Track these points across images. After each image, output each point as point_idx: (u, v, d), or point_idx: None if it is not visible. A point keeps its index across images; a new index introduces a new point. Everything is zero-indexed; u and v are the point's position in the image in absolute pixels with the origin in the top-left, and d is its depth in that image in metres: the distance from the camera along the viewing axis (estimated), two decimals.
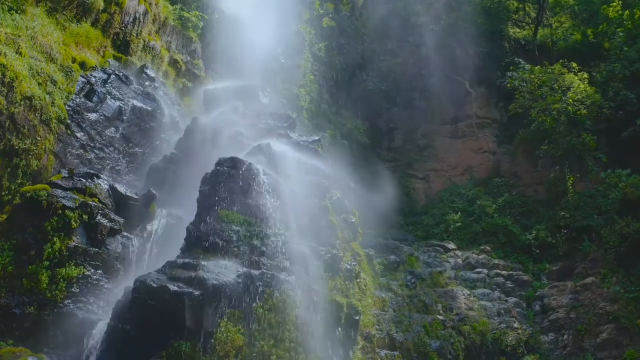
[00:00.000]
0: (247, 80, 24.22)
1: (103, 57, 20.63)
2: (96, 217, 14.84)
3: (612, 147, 30.17)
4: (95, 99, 18.49)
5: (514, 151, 34.70)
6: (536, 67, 32.02)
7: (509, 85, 32.67)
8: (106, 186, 15.97)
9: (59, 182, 15.01)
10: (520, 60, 34.78)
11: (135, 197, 16.65)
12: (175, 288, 12.35)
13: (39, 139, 15.97)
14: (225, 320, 12.56)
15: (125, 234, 15.76)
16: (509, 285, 25.15)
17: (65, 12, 19.71)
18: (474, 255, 27.22)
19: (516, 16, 41.10)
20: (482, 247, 27.95)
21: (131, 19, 21.90)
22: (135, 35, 22.03)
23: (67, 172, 15.60)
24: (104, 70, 19.47)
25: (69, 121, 17.23)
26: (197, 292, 12.38)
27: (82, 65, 18.93)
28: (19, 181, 15.45)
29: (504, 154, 35.45)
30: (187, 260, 13.37)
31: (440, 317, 21.57)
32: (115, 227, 15.33)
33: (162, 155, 19.28)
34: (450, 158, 36.63)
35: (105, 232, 15.01)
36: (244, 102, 21.11)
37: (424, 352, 19.65)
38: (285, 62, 29.01)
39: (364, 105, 37.89)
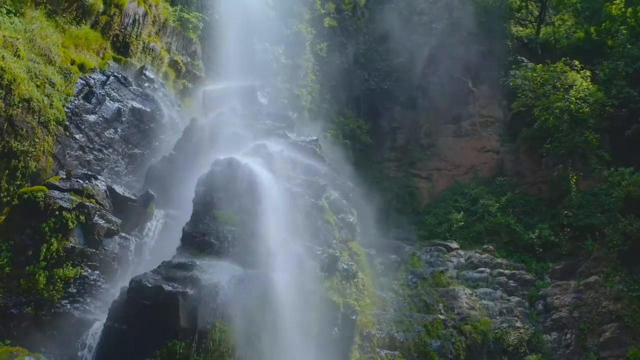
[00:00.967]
0: (248, 80, 24.23)
1: (103, 59, 20.71)
2: (93, 218, 14.91)
3: (615, 145, 30.01)
4: (94, 100, 18.56)
5: (517, 150, 34.54)
6: (538, 66, 31.87)
7: (511, 84, 32.53)
8: (104, 187, 16.05)
9: (57, 183, 15.11)
10: (523, 58, 34.57)
11: (134, 198, 16.70)
12: (170, 288, 12.41)
13: (37, 140, 16.06)
14: (220, 320, 12.59)
15: (123, 234, 15.82)
16: (512, 284, 25.08)
17: (64, 15, 19.80)
18: (477, 254, 27.15)
19: (519, 14, 40.88)
20: (485, 247, 27.87)
21: (131, 20, 21.98)
22: (135, 37, 22.12)
23: (64, 173, 15.70)
24: (102, 72, 19.54)
25: (67, 123, 17.29)
26: (191, 292, 12.44)
27: (81, 67, 19.02)
28: (18, 183, 15.53)
29: (508, 153, 35.27)
30: (182, 260, 13.43)
31: (442, 317, 21.54)
32: (113, 227, 15.39)
33: (161, 156, 19.32)
34: (453, 157, 36.48)
35: (103, 232, 15.07)
36: (242, 102, 21.14)
37: (425, 351, 19.65)
38: (286, 62, 29.03)
39: (367, 105, 37.91)
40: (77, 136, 17.64)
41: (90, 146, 17.99)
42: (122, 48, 21.75)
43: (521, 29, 40.36)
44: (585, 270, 24.14)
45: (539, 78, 31.10)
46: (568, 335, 21.66)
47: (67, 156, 17.15)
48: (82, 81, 18.58)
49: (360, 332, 17.63)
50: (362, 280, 18.31)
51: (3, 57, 15.59)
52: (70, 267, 14.08)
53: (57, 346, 13.10)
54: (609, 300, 21.95)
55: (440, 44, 37.81)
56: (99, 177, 16.46)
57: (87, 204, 15.00)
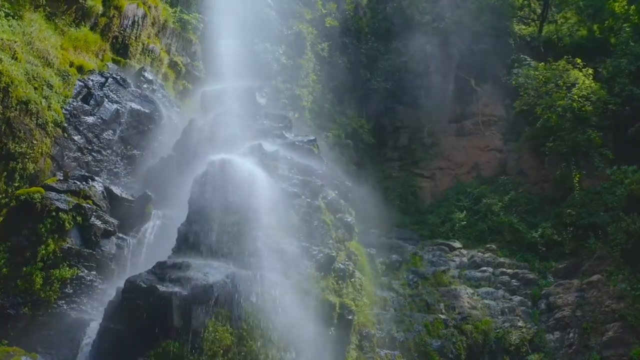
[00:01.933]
0: (248, 81, 24.25)
1: (102, 60, 20.80)
2: (90, 218, 14.99)
3: (618, 143, 29.83)
4: (92, 102, 18.62)
5: (520, 148, 34.35)
6: (541, 64, 31.73)
7: (514, 83, 32.40)
8: (101, 188, 16.11)
9: (54, 184, 15.21)
10: (526, 57, 34.53)
11: (131, 198, 16.77)
12: (164, 288, 12.44)
13: (35, 142, 16.13)
14: (214, 320, 12.60)
15: (120, 235, 15.87)
16: (514, 283, 24.94)
17: (64, 17, 19.91)
18: (480, 253, 27.04)
19: (521, 13, 40.77)
20: (488, 246, 27.75)
21: (130, 22, 22.06)
22: (134, 38, 22.20)
23: (62, 175, 15.79)
24: (101, 74, 19.61)
25: (65, 124, 17.36)
26: (185, 292, 12.45)
27: (80, 69, 19.10)
28: (16, 184, 15.57)
29: (511, 152, 35.08)
30: (177, 260, 13.47)
31: (442, 316, 21.45)
32: (110, 228, 15.47)
33: (159, 157, 19.38)
34: (456, 156, 36.36)
35: (100, 233, 15.15)
36: (240, 103, 21.17)
37: (425, 351, 19.59)
38: (286, 62, 29.02)
39: (369, 105, 37.87)
40: (75, 138, 17.70)
41: (89, 147, 18.05)
42: (121, 50, 21.83)
43: (524, 27, 40.24)
44: (589, 269, 23.96)
45: (541, 76, 30.95)
46: (571, 335, 21.50)
47: (66, 158, 17.22)
48: (80, 83, 18.64)
49: (360, 332, 17.57)
50: (359, 280, 18.26)
51: (1, 60, 15.68)
52: (67, 268, 14.17)
53: (53, 346, 13.16)
54: (612, 299, 21.76)
55: (443, 43, 37.70)
56: (97, 178, 16.53)
57: (84, 205, 15.09)
